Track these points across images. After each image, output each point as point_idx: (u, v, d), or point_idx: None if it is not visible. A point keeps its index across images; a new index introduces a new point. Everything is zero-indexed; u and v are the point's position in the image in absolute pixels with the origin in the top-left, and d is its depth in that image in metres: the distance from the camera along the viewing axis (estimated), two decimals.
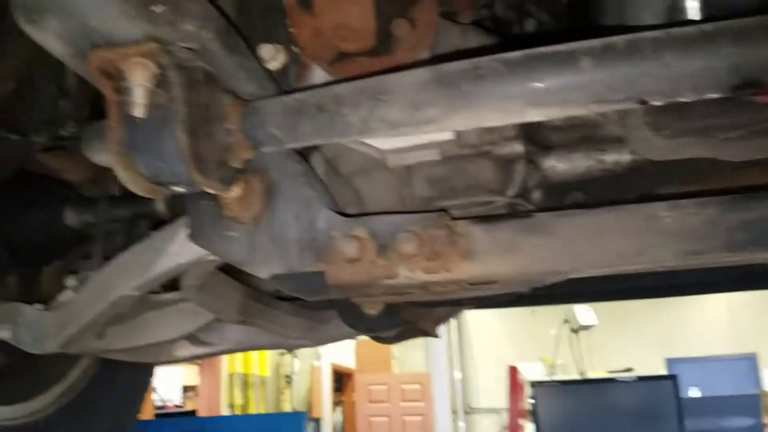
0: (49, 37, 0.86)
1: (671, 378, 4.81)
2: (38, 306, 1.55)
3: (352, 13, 0.93)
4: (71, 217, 1.64)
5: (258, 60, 0.97)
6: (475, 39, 1.16)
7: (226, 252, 1.06)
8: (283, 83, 1.07)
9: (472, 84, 0.84)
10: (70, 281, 1.55)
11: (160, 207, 1.59)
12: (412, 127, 0.86)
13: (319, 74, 1.12)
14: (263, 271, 1.06)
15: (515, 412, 7.01)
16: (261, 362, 9.67)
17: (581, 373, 7.60)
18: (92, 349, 1.50)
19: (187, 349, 1.74)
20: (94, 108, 1.64)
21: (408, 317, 1.96)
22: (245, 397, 9.35)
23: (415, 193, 1.21)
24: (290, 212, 1.06)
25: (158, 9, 0.81)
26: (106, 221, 1.57)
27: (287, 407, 10.79)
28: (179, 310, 1.53)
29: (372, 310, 1.84)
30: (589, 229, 0.94)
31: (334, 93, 0.86)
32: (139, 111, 0.85)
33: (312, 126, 0.87)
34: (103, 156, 0.98)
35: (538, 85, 0.82)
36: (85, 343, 1.43)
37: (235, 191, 1.01)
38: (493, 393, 11.48)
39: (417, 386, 11.80)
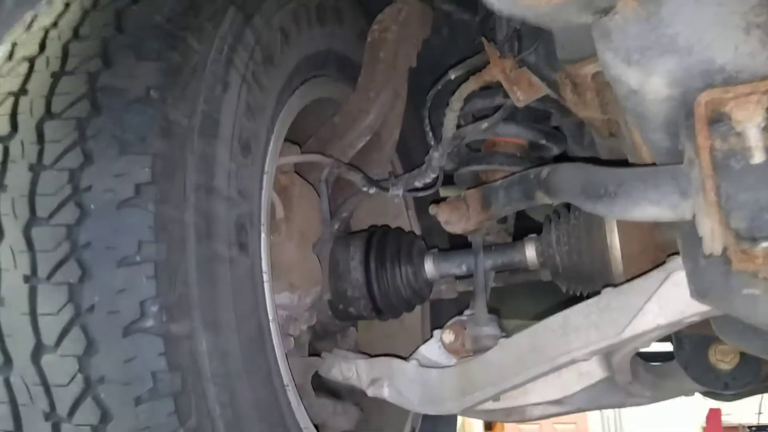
0: (652, 78, 0.78)
1: None
2: (414, 362, 1.50)
3: None
4: (431, 270, 1.60)
5: None
6: None
7: (750, 313, 0.92)
8: None
9: None
10: (447, 335, 1.49)
11: (532, 257, 1.50)
12: None
13: None
14: None
15: None
16: None
17: None
18: (482, 410, 1.41)
19: (540, 409, 1.62)
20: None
21: None
22: None
23: None
24: None
25: None
26: (474, 272, 1.50)
27: None
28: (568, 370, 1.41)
29: (726, 364, 1.65)
30: None
31: None
32: (758, 156, 0.74)
33: None
34: (652, 209, 0.88)
35: None
36: (483, 406, 1.35)
37: None
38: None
39: (572, 426, 11.19)
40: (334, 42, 1.58)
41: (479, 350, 1.37)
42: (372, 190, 1.60)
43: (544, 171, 1.22)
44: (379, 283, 1.58)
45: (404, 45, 1.63)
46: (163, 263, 0.97)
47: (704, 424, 7.43)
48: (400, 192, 1.61)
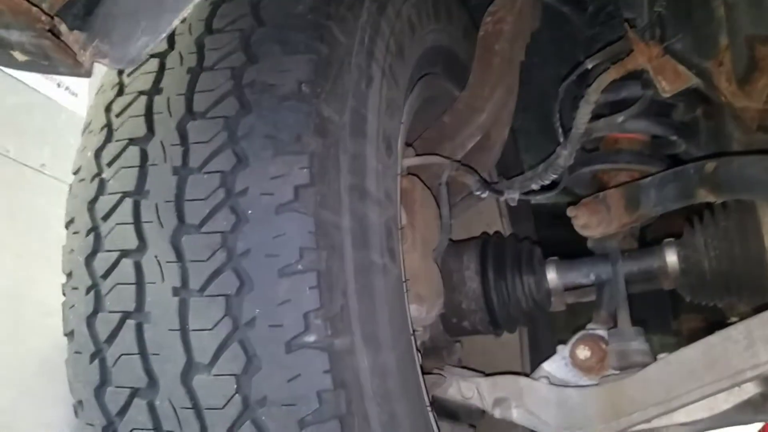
0: None
1: None
2: (544, 380, 1.39)
3: None
4: (554, 280, 1.49)
5: None
6: None
7: None
8: None
9: None
10: (582, 351, 1.37)
11: (673, 263, 1.39)
12: None
13: None
14: None
15: None
16: None
17: None
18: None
19: (673, 431, 1.50)
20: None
21: None
22: None
23: None
24: None
25: None
26: (612, 281, 1.39)
27: None
28: None
29: None
30: None
31: None
32: None
33: None
34: None
35: None
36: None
37: None
38: None
39: None
40: (444, 37, 1.49)
41: (627, 367, 1.26)
42: (485, 194, 1.51)
43: (709, 165, 1.11)
44: (498, 295, 1.48)
45: (519, 38, 1.54)
46: (324, 272, 0.88)
47: None
48: (516, 196, 1.51)
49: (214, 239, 0.89)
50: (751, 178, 1.00)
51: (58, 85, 4.35)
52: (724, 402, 1.33)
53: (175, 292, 0.89)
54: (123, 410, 0.92)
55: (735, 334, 1.05)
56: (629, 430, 1.31)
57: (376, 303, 0.96)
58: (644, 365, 1.20)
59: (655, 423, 1.36)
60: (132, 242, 0.93)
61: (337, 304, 0.89)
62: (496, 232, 1.63)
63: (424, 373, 1.50)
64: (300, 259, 0.87)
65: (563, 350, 1.42)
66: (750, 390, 1.32)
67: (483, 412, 1.49)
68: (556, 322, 2.14)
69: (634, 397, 1.18)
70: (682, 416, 1.34)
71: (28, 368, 3.53)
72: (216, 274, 0.88)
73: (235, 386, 0.87)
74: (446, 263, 1.51)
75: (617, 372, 1.28)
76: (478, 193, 1.50)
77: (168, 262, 0.90)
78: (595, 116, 1.51)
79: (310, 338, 0.86)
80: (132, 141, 0.98)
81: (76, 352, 0.96)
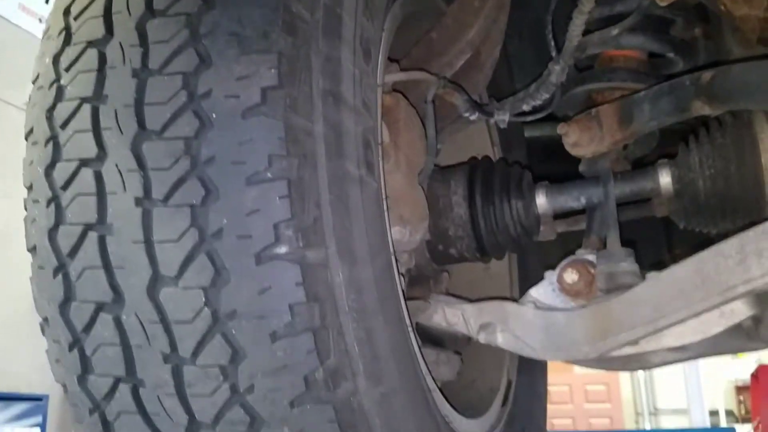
0: None
1: None
2: (530, 305, 1.37)
3: None
4: (543, 204, 1.45)
5: None
6: None
7: None
8: None
9: None
10: (569, 275, 1.34)
11: (666, 184, 1.34)
12: None
13: None
14: None
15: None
16: None
17: None
18: (600, 358, 1.27)
19: (661, 356, 1.48)
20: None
21: None
22: None
23: None
24: None
25: None
26: (603, 203, 1.34)
27: None
28: None
29: None
30: None
31: None
32: None
33: None
34: None
35: None
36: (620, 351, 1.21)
37: None
38: (678, 392, 10.56)
39: (602, 387, 11.16)
40: None
41: (616, 289, 1.22)
42: (474, 116, 1.44)
43: (706, 75, 1.05)
44: (486, 220, 1.43)
45: None
46: (296, 181, 0.83)
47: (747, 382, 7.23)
48: (506, 117, 1.45)
49: (176, 146, 0.83)
50: (750, 85, 0.94)
51: (40, 21, 4.23)
52: (716, 325, 1.30)
53: (138, 202, 0.84)
54: (89, 326, 0.89)
55: (727, 248, 1.01)
56: (616, 352, 1.29)
57: (352, 216, 0.91)
58: (633, 286, 1.16)
59: (644, 347, 1.34)
60: (91, 150, 0.87)
61: (310, 216, 0.85)
62: (485, 157, 1.57)
63: (408, 299, 1.48)
64: (269, 166, 0.82)
65: (551, 276, 1.38)
66: (742, 312, 1.29)
67: (469, 338, 1.47)
68: (548, 256, 2.11)
69: (621, 317, 1.15)
70: (671, 340, 1.32)
71: (20, 311, 3.53)
72: (180, 182, 0.83)
73: (204, 299, 0.83)
74: (433, 188, 1.47)
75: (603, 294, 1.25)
76: (466, 114, 1.44)
77: (129, 170, 0.85)
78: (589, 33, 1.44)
79: (281, 250, 0.82)
80: (90, 44, 0.91)
81: (39, 267, 0.92)
